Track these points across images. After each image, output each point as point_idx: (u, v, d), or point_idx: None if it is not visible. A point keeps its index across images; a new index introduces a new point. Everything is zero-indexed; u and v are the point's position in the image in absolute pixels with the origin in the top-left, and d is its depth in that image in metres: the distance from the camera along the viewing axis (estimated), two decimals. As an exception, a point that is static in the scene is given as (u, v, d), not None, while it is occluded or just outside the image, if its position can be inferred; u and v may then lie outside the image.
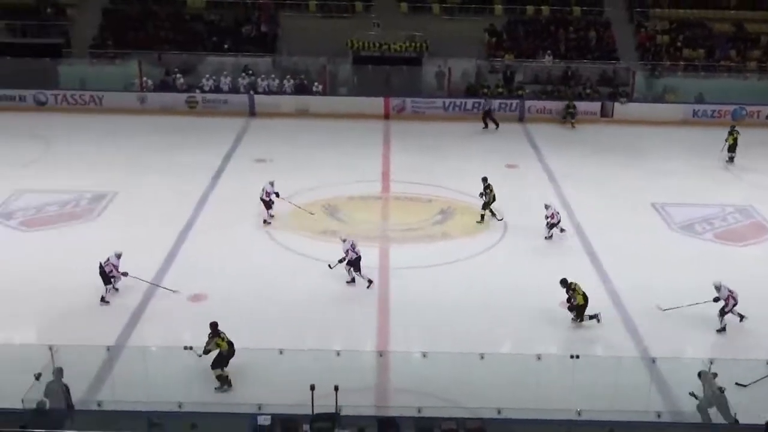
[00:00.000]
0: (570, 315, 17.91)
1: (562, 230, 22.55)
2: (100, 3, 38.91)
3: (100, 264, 18.58)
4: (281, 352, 14.56)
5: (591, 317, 17.90)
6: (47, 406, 13.10)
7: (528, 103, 35.47)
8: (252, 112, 34.93)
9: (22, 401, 13.20)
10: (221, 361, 15.28)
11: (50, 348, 13.96)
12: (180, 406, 13.69)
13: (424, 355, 15.16)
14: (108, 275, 18.55)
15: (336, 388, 12.43)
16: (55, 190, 25.38)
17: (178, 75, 35.86)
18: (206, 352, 15.10)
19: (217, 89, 35.72)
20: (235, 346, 15.32)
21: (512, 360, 15.34)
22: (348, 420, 12.55)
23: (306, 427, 12.44)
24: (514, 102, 35.37)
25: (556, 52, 37.82)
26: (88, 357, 15.12)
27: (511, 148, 31.22)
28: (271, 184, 23.48)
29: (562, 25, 39.22)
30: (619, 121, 34.92)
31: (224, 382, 15.26)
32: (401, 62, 37.17)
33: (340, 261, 19.52)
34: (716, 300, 17.67)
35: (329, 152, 29.85)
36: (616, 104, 35.40)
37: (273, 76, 36.05)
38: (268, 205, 23.27)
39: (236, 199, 24.93)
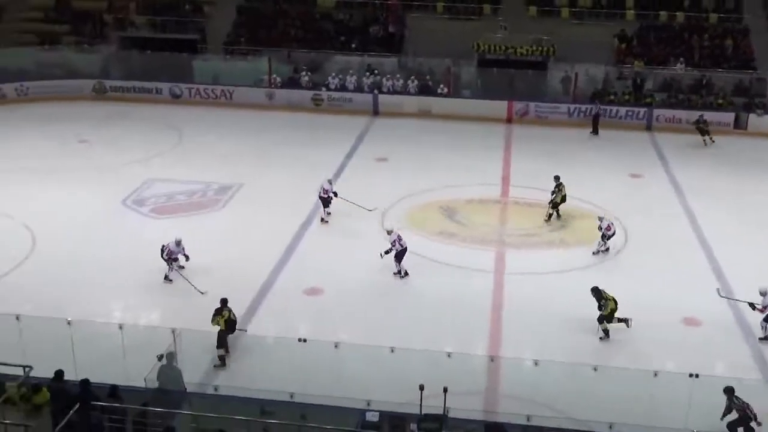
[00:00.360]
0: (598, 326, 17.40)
1: (607, 248, 21.54)
2: (235, 1, 40.19)
3: (162, 246, 19.63)
4: (392, 350, 14.67)
5: (620, 320, 17.46)
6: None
7: (657, 111, 34.42)
8: (375, 111, 35.34)
9: (145, 380, 13.83)
10: (221, 339, 15.98)
11: (173, 331, 14.55)
12: (291, 397, 14.02)
13: (536, 363, 14.98)
14: (169, 258, 19.58)
15: (445, 390, 12.45)
16: (185, 180, 26.42)
17: (306, 73, 36.62)
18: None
19: (342, 88, 36.30)
20: (236, 326, 16.33)
21: (626, 374, 14.94)
22: (455, 422, 12.56)
23: (413, 426, 12.52)
24: (642, 110, 34.41)
25: (688, 59, 36.55)
26: (207, 342, 15.71)
27: (637, 157, 30.37)
28: (329, 182, 23.76)
29: (696, 32, 37.85)
30: (754, 133, 33.40)
31: (222, 361, 15.98)
32: (526, 66, 36.78)
33: (387, 252, 19.85)
34: (753, 307, 17.06)
35: (449, 154, 29.84)
36: (752, 116, 33.86)
37: (398, 76, 36.33)
38: (326, 202, 23.41)
39: (356, 196, 25.20)
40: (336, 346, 14.88)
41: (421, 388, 12.41)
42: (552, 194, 23.51)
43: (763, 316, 17.22)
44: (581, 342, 17.07)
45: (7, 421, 10.51)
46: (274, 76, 36.68)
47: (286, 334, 16.30)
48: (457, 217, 23.97)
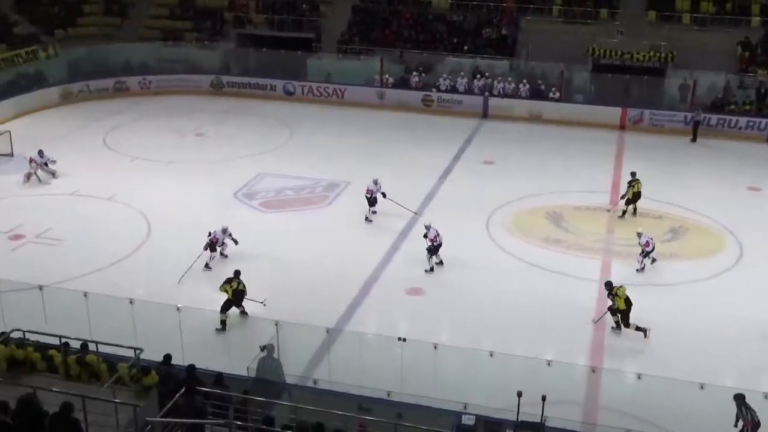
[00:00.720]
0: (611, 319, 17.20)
1: (653, 260, 20.82)
2: (351, 0, 40.70)
3: (209, 233, 20.33)
4: (491, 355, 14.59)
5: (638, 329, 17.37)
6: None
7: (780, 123, 32.99)
8: (485, 114, 35.15)
9: (247, 369, 14.19)
10: (225, 306, 17.19)
11: (276, 323, 14.88)
12: (388, 395, 14.12)
13: (639, 376, 14.63)
14: (213, 245, 20.43)
15: (543, 398, 12.30)
16: (294, 175, 26.94)
17: (418, 73, 36.74)
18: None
19: (453, 89, 36.25)
20: (244, 298, 17.49)
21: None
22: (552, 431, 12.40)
23: (509, 432, 12.44)
24: (764, 121, 32.99)
25: (817, 69, 34.87)
26: (309, 336, 15.99)
27: (757, 169, 29.13)
28: (375, 182, 23.71)
29: (827, 40, 36.08)
30: None
31: (223, 326, 17.05)
32: (643, 72, 35.81)
33: (428, 249, 20.31)
34: None
35: (559, 159, 29.40)
36: None
37: (509, 79, 36.02)
38: (371, 202, 23.52)
39: (461, 199, 25.24)
40: (435, 347, 14.89)
41: (519, 394, 12.30)
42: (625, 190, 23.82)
43: None
44: (689, 359, 16.54)
45: (118, 400, 10.95)
46: (386, 75, 36.95)
47: (386, 332, 16.45)
48: (563, 224, 23.61)
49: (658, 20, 37.46)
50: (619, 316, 17.64)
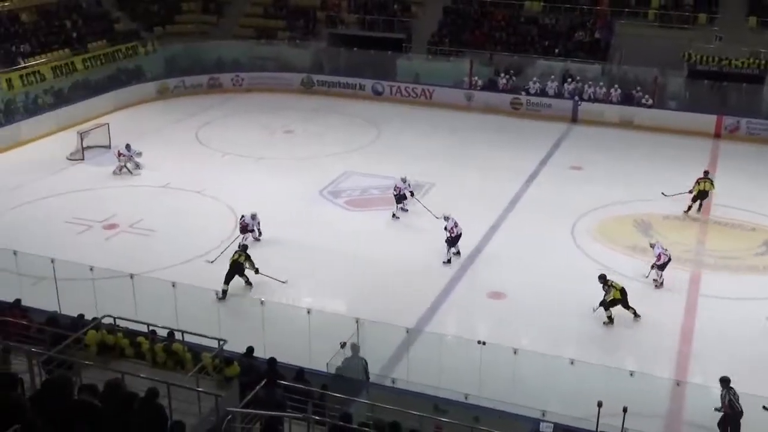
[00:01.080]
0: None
1: (660, 280, 19.87)
2: (442, 1, 40.66)
3: (241, 216, 21.72)
4: (572, 362, 14.39)
5: (635, 314, 18.02)
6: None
7: None
8: (574, 119, 34.66)
9: (327, 365, 14.36)
10: (227, 277, 18.49)
11: (356, 321, 15.01)
12: (466, 398, 14.09)
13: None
14: (244, 228, 21.53)
15: (625, 410, 12.06)
16: (380, 175, 27.07)
17: (509, 76, 36.45)
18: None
19: (542, 93, 35.86)
20: (241, 269, 18.80)
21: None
22: (632, 444, 12.16)
23: (588, 441, 12.25)
24: None
25: None
26: (389, 335, 16.07)
27: None
28: (403, 180, 23.98)
29: None
30: None
31: (224, 294, 18.26)
32: (741, 79, 34.69)
33: (447, 241, 20.78)
34: None
35: (649, 167, 28.71)
36: None
37: (601, 83, 35.41)
38: (398, 199, 23.90)
39: (547, 204, 24.94)
40: (515, 352, 14.78)
41: (599, 404, 12.09)
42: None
43: None
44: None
45: (201, 389, 11.20)
46: (475, 78, 36.80)
47: (465, 334, 16.40)
48: (651, 233, 23.07)
49: (759, 26, 36.21)
50: (618, 305, 17.97)
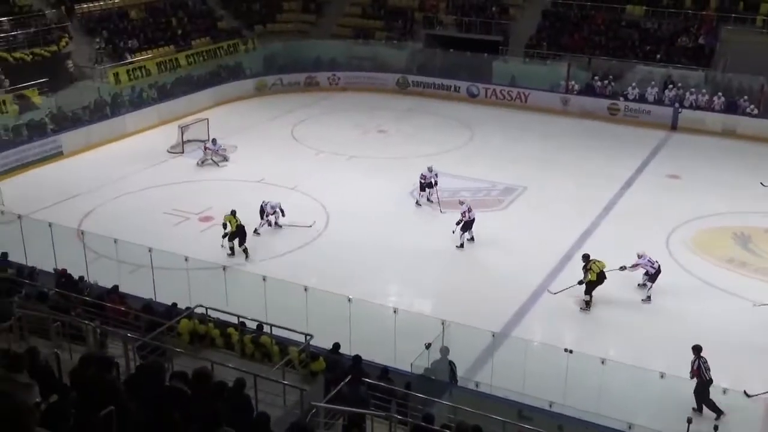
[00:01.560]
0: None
1: (647, 293, 19.25)
2: (541, 4, 40.25)
3: (263, 203, 22.57)
4: (662, 376, 14.04)
5: (587, 303, 18.33)
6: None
7: None
8: (674, 126, 33.75)
9: (411, 366, 14.41)
10: (230, 236, 20.88)
11: (442, 322, 15.01)
12: (550, 405, 13.91)
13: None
14: (262, 211, 22.53)
15: (716, 428, 11.74)
16: (471, 177, 27.01)
17: (608, 81, 35.76)
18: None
19: (641, 99, 35.05)
20: (245, 233, 20.97)
21: None
22: (721, 463, 11.81)
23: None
24: None
25: None
26: (474, 338, 16.00)
27: None
28: (430, 169, 24.74)
29: None
30: None
31: (232, 251, 20.70)
32: None
33: (458, 223, 21.35)
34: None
35: (751, 178, 27.62)
36: None
37: (703, 91, 34.38)
38: (422, 187, 24.73)
39: (642, 213, 24.40)
40: (603, 362, 14.53)
41: (689, 421, 11.81)
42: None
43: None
44: None
45: (286, 382, 11.42)
46: (572, 82, 36.26)
47: (552, 341, 16.21)
48: (750, 246, 22.32)
49: None
50: (586, 286, 18.41)
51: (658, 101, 34.80)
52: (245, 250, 21.11)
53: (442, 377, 14.52)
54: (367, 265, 20.54)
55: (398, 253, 21.42)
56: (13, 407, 5.11)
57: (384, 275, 20.40)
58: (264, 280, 16.41)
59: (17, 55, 31.97)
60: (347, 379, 12.10)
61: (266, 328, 14.03)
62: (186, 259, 17.47)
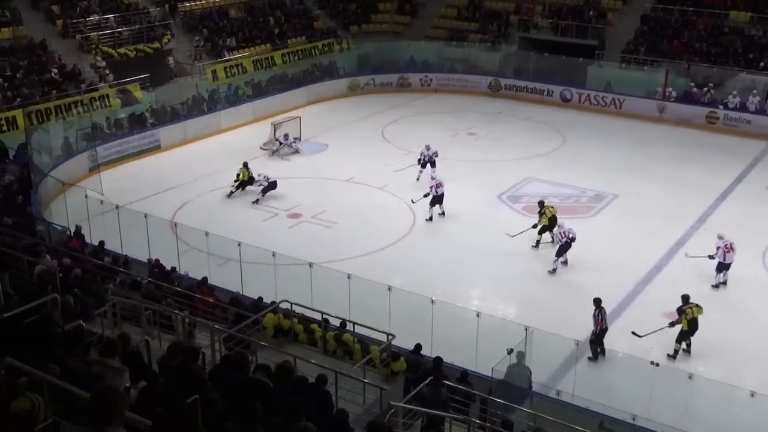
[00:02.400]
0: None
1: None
2: (640, 9, 39.39)
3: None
4: (752, 395, 13.60)
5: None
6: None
7: None
8: (776, 137, 32.57)
9: (492, 370, 14.35)
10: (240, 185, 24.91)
11: (526, 328, 14.89)
12: (633, 419, 13.65)
13: None
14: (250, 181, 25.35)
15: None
16: (561, 183, 26.66)
17: (705, 89, 34.76)
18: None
19: (742, 107, 33.91)
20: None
21: None
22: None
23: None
24: None
25: None
26: (557, 345, 15.82)
27: None
28: (428, 147, 26.48)
29: None
30: None
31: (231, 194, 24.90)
32: None
33: (425, 196, 23.04)
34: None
35: None
36: None
37: (811, 100, 33.09)
38: (423, 164, 26.46)
39: (738, 225, 23.57)
40: (690, 377, 14.19)
41: None
42: None
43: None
44: None
45: (367, 381, 11.53)
46: (669, 89, 35.36)
47: (638, 353, 15.87)
48: None
49: None
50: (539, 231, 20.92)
51: (760, 111, 33.61)
52: (237, 187, 25.32)
53: (519, 382, 14.40)
54: (451, 268, 20.52)
55: (483, 256, 21.33)
56: (106, 390, 5.35)
57: (468, 278, 20.34)
58: (349, 278, 16.58)
59: (122, 50, 33.17)
60: (427, 381, 12.13)
61: (349, 326, 14.19)
62: (273, 255, 17.79)
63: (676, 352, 16.90)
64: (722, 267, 19.58)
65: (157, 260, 18.28)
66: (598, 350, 16.64)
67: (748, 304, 19.06)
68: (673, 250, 22.02)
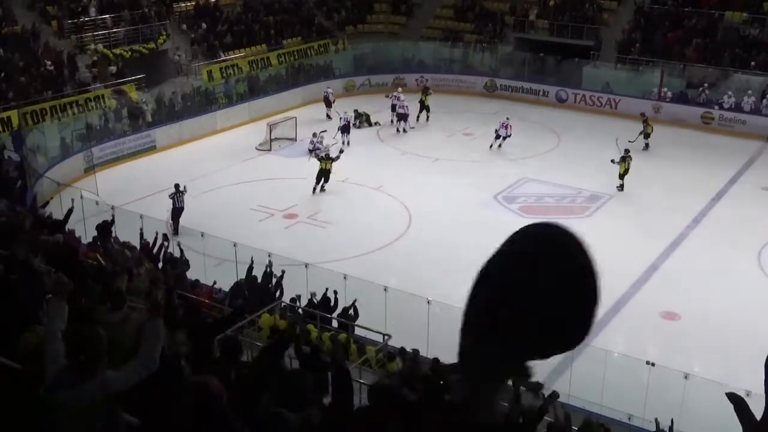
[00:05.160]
0: None
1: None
2: (634, 6, 39.31)
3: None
4: (748, 394, 13.45)
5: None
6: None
7: None
8: (771, 137, 32.64)
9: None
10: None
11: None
12: (629, 419, 13.67)
13: None
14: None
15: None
16: (557, 183, 26.68)
17: (700, 89, 34.79)
18: None
19: (737, 108, 33.96)
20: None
21: None
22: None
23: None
24: None
25: None
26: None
27: None
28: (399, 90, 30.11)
29: None
30: None
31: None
32: None
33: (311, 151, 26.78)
34: None
35: None
36: None
37: (806, 101, 33.15)
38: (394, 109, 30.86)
39: (733, 225, 23.69)
40: (686, 377, 14.20)
41: None
42: None
43: None
44: None
45: (362, 381, 11.52)
46: (665, 89, 35.40)
47: (633, 353, 15.89)
48: None
49: None
50: None
51: (756, 111, 33.67)
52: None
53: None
54: (447, 268, 20.50)
55: (480, 256, 21.17)
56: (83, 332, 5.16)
57: (464, 279, 20.18)
58: (345, 278, 16.58)
59: (117, 51, 33.13)
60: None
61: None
62: (269, 255, 17.78)
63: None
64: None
65: (147, 243, 18.23)
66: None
67: (743, 303, 19.07)
68: (668, 250, 22.05)
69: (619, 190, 25.82)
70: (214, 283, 17.22)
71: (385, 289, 16.17)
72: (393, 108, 32.36)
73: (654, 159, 29.70)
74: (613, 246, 21.98)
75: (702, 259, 21.54)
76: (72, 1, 33.67)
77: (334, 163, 25.51)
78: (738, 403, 2.44)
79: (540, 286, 2.15)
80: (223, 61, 35.70)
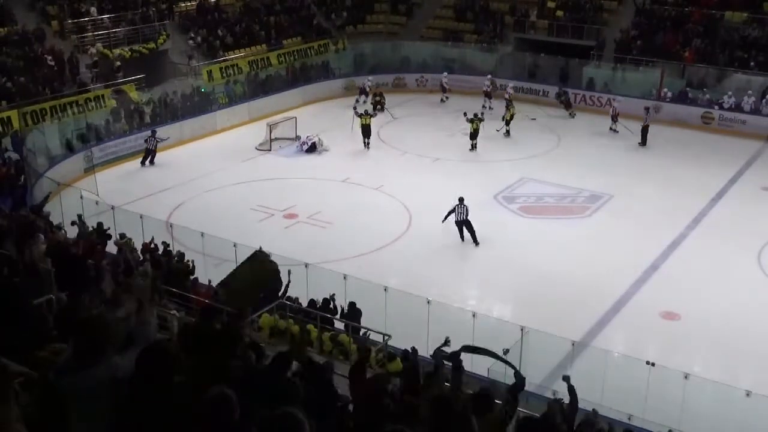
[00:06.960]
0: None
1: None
2: (634, 9, 39.34)
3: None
4: (748, 394, 13.62)
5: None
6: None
7: None
8: (772, 137, 32.62)
9: (488, 371, 14.35)
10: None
11: (521, 329, 14.90)
12: (629, 419, 13.66)
13: None
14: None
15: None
16: (556, 183, 26.67)
17: (703, 90, 34.73)
18: None
19: (737, 108, 33.94)
20: None
21: None
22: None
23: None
24: None
25: None
26: (553, 346, 15.82)
27: None
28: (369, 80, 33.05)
29: None
30: None
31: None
32: None
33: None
34: None
35: None
36: None
37: (805, 101, 33.10)
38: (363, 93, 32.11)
39: (733, 225, 23.68)
40: (686, 377, 14.19)
41: None
42: None
43: None
44: None
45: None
46: (665, 89, 35.38)
47: (633, 353, 15.88)
48: None
49: None
50: None
51: (755, 111, 33.65)
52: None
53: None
54: (446, 268, 20.53)
55: (479, 257, 21.34)
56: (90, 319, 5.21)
57: (464, 278, 20.36)
58: (345, 278, 16.58)
59: (117, 51, 33.10)
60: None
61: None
62: (269, 255, 17.75)
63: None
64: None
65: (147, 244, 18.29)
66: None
67: (743, 303, 19.07)
68: (668, 250, 22.05)
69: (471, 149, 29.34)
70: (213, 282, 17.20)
71: (385, 289, 16.16)
72: (487, 95, 35.64)
73: (654, 159, 29.71)
74: (613, 246, 22.07)
75: (702, 259, 21.53)
76: (72, 1, 33.65)
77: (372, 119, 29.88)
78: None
79: None
80: (224, 61, 35.69)
